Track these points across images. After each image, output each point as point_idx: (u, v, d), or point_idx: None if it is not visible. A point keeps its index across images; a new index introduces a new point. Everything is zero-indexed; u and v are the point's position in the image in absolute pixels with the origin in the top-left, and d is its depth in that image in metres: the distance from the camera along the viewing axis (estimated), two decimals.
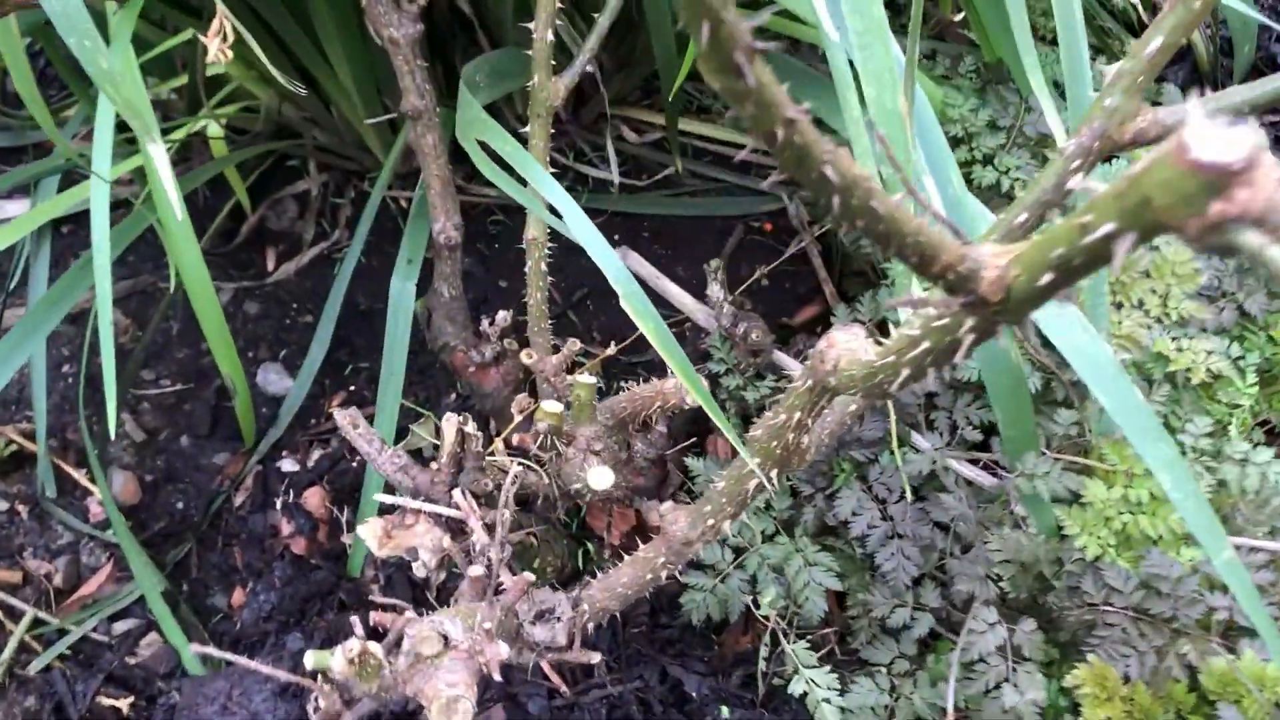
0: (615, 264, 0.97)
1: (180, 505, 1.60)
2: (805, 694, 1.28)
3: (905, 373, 0.68)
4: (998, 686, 1.18)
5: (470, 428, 1.17)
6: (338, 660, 0.74)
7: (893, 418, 1.35)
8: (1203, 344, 1.35)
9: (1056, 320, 1.16)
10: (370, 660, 0.74)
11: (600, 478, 0.98)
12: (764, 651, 1.29)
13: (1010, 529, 1.25)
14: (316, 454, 1.65)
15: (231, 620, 1.48)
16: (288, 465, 1.64)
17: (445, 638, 0.76)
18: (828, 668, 1.29)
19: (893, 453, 1.37)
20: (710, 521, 0.96)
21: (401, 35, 1.24)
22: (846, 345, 0.80)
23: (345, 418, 1.21)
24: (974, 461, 1.38)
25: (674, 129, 1.85)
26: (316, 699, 0.81)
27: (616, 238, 1.90)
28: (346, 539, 1.54)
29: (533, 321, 1.34)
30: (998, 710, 1.17)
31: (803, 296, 1.81)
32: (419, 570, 1.16)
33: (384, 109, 1.79)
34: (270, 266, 1.89)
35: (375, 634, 0.86)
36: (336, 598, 1.46)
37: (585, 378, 1.07)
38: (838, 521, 1.36)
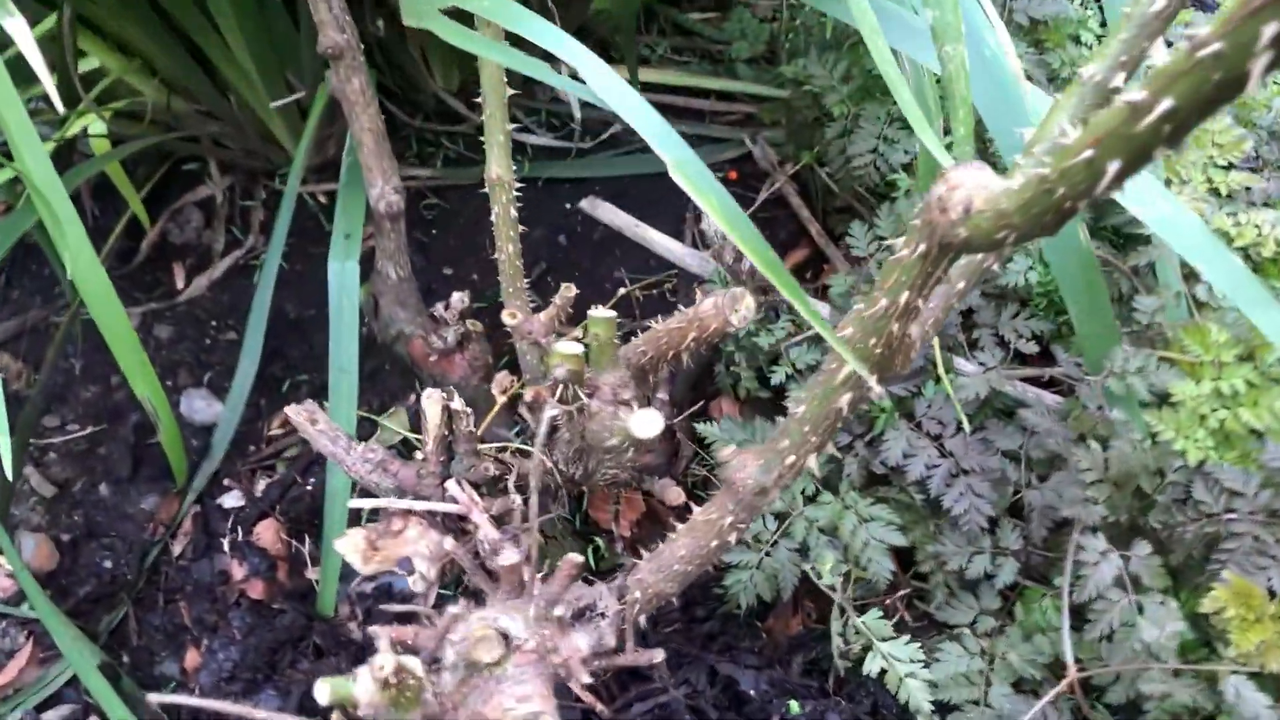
0: (656, 125, 0.78)
1: (108, 564, 1.35)
2: (883, 671, 1.09)
3: (1062, 191, 0.50)
4: (1125, 625, 0.99)
5: (458, 403, 0.96)
6: (364, 686, 0.53)
7: (935, 340, 1.17)
8: (1260, 215, 1.20)
9: (1135, 192, 0.99)
10: (408, 681, 0.53)
11: (646, 422, 0.78)
12: (836, 626, 1.09)
13: (1095, 443, 1.07)
14: (262, 483, 1.42)
15: (188, 687, 1.24)
16: (230, 500, 1.40)
17: (505, 636, 0.55)
18: (905, 637, 1.10)
19: (939, 380, 1.18)
20: (790, 460, 0.77)
21: None
22: (977, 182, 0.61)
23: (301, 413, 0.99)
24: (1033, 380, 1.20)
25: (633, 65, 1.65)
26: None
27: (568, 206, 1.70)
28: (312, 574, 1.31)
29: (506, 280, 1.13)
30: (1127, 653, 0.99)
31: (785, 242, 1.62)
32: (416, 583, 0.94)
33: (288, 89, 1.57)
34: (180, 284, 1.65)
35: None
36: (310, 642, 1.23)
37: (602, 311, 0.86)
38: (888, 468, 1.17)
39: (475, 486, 0.96)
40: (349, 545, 0.92)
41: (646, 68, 1.83)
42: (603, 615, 0.87)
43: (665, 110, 1.80)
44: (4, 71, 1.05)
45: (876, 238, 1.23)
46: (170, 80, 1.55)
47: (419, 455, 1.00)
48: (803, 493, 1.18)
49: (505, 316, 1.04)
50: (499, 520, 0.93)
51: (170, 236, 1.69)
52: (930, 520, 1.17)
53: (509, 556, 0.68)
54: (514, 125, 1.78)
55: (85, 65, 1.52)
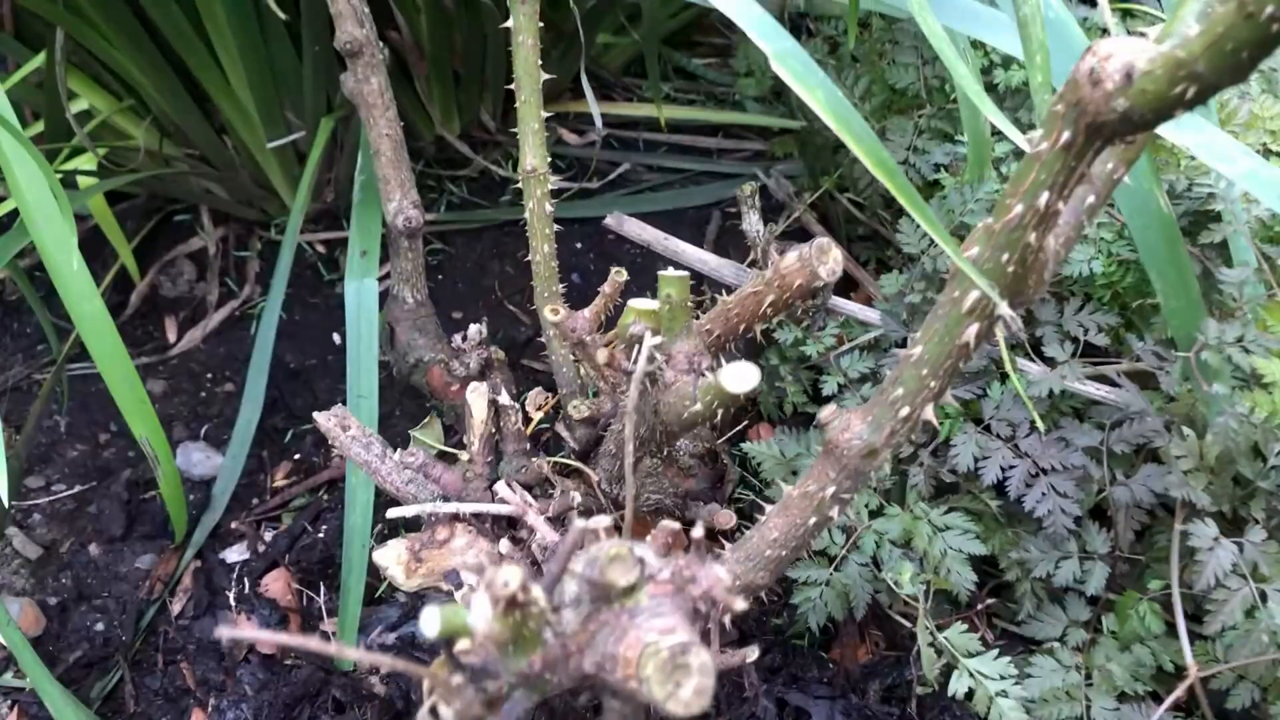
0: (750, 10, 0.71)
1: (99, 626, 1.23)
2: (970, 692, 0.99)
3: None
4: (1247, 617, 0.90)
5: (504, 398, 0.87)
6: (480, 613, 0.43)
7: (1000, 334, 1.09)
8: None
9: (1217, 150, 0.93)
10: (532, 608, 0.43)
11: (740, 375, 0.69)
12: (923, 637, 0.99)
13: (1188, 428, 1.00)
14: (269, 535, 1.30)
15: None
16: (234, 554, 1.29)
17: (641, 561, 0.46)
18: (994, 652, 1.00)
19: (1004, 379, 1.11)
20: (904, 411, 0.68)
21: None
22: (1133, 47, 0.54)
23: (331, 419, 0.90)
24: (1104, 379, 1.13)
25: (657, 88, 1.61)
26: (434, 708, 0.48)
27: (579, 245, 1.64)
28: (328, 625, 1.20)
29: (541, 282, 1.05)
30: (1253, 648, 0.90)
31: None
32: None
33: (287, 129, 1.50)
34: (172, 337, 1.56)
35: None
36: (329, 697, 1.11)
37: (675, 272, 0.78)
38: (958, 476, 1.09)
39: (527, 489, 0.86)
40: (390, 556, 0.82)
41: (648, 104, 1.79)
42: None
43: (672, 149, 1.77)
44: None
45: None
46: (164, 120, 1.48)
47: (464, 457, 0.91)
48: (866, 507, 1.09)
49: (547, 313, 0.96)
50: (556, 521, 0.83)
51: (161, 290, 1.60)
52: (1009, 529, 1.08)
53: (600, 519, 0.59)
54: (518, 169, 1.73)
55: (74, 107, 1.45)
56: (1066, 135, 0.58)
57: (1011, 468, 1.05)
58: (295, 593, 1.23)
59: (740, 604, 0.48)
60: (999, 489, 1.05)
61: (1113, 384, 1.11)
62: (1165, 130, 0.95)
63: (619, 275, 0.91)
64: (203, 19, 1.30)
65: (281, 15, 1.29)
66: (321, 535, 1.28)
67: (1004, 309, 0.64)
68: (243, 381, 1.40)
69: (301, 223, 1.56)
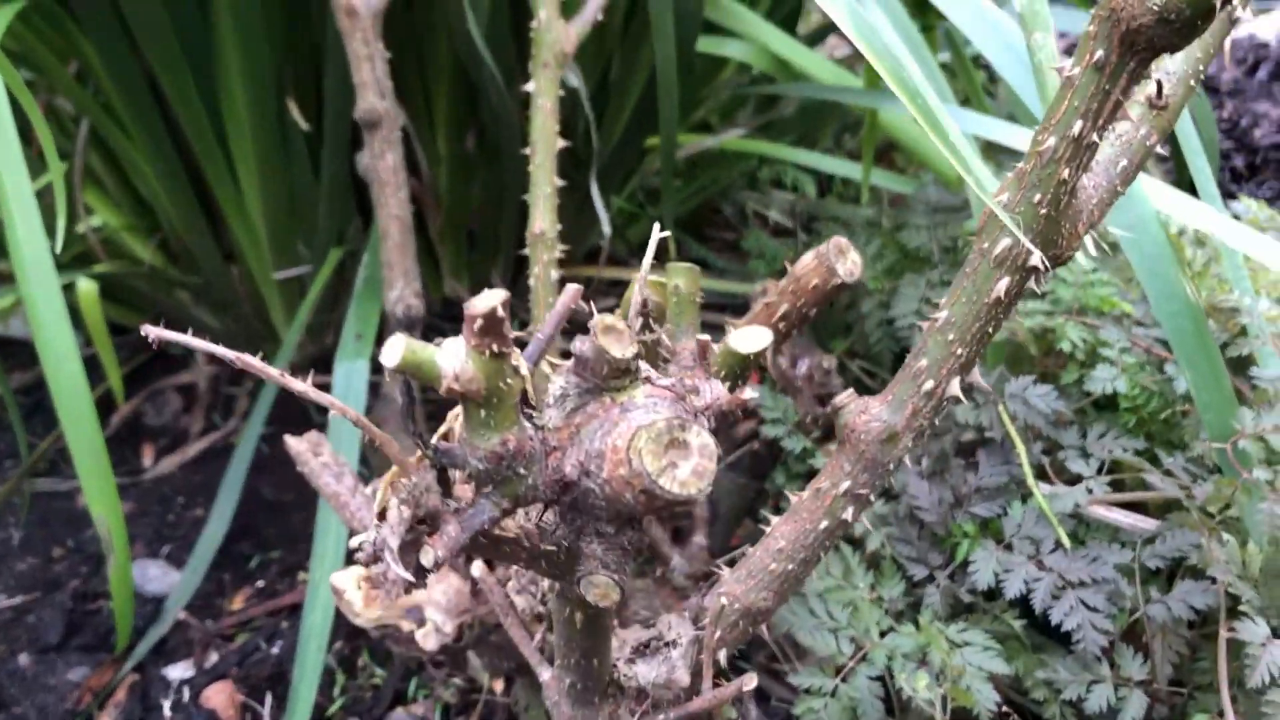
0: None
1: None
2: None
3: None
4: None
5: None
6: (453, 352, 0.36)
7: (1021, 448, 1.03)
8: None
9: (1237, 236, 0.92)
10: (508, 361, 0.36)
11: (750, 337, 0.62)
12: None
13: (1227, 534, 0.92)
14: (214, 657, 1.19)
15: None
16: (177, 671, 1.17)
17: (638, 360, 0.39)
18: None
19: (1026, 498, 1.04)
20: (928, 385, 0.62)
21: (361, 3, 1.00)
22: None
23: (303, 443, 0.83)
24: (1127, 505, 1.05)
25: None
26: (385, 500, 0.39)
27: None
28: None
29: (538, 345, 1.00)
30: None
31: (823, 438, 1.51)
32: (426, 641, 0.74)
33: (296, 259, 1.50)
34: (147, 462, 1.49)
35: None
36: None
37: (685, 264, 0.74)
38: (977, 594, 1.00)
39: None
40: (349, 579, 0.73)
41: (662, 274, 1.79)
42: (672, 645, 0.67)
43: None
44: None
45: None
46: (172, 240, 1.48)
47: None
48: (876, 624, 0.99)
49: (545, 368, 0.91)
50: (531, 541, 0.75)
51: (145, 417, 1.55)
52: (1035, 653, 0.98)
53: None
54: (521, 329, 1.72)
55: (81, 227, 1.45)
56: (1100, 53, 0.55)
57: (1037, 580, 0.96)
58: (238, 706, 1.10)
59: (752, 393, 0.41)
60: (1023, 605, 0.96)
61: (1139, 510, 1.04)
62: (1203, 223, 0.94)
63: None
64: (225, 124, 1.31)
65: (304, 125, 1.32)
66: (275, 651, 1.17)
67: (1039, 258, 0.59)
68: (211, 511, 1.33)
69: (296, 363, 1.53)
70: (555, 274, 1.01)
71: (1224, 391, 0.93)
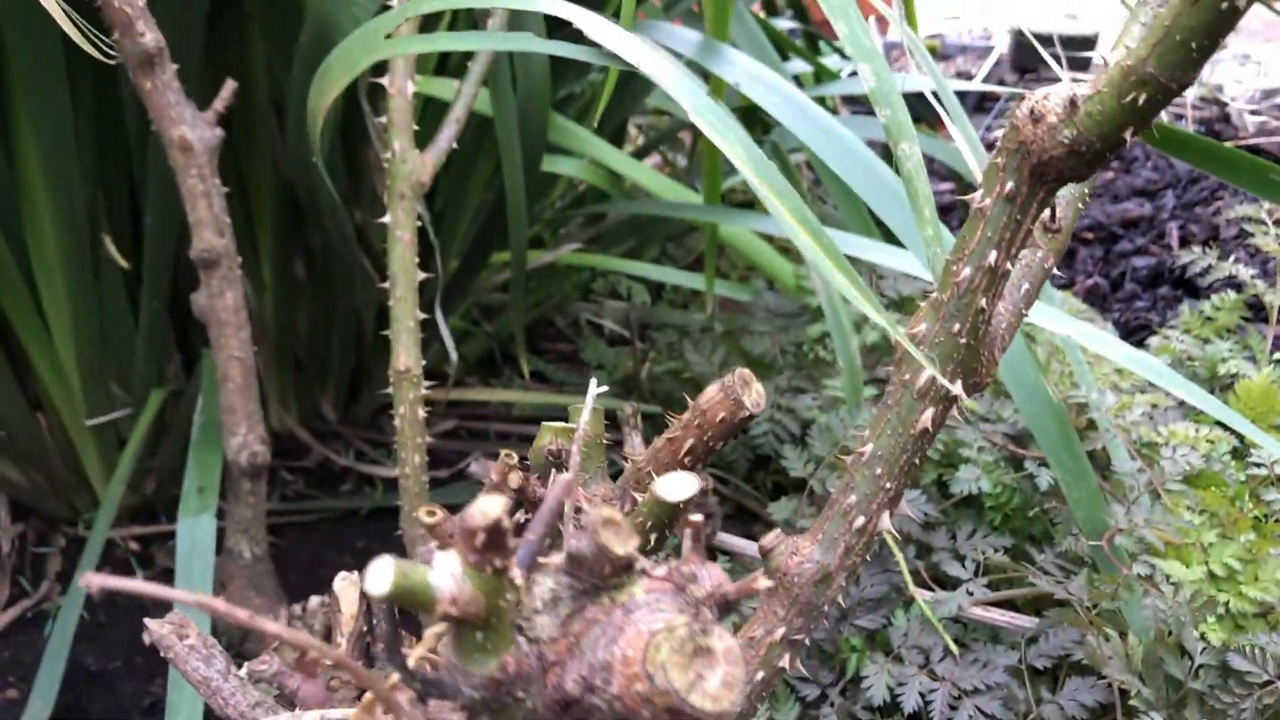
0: (670, 71, 0.67)
1: None
2: None
3: None
4: None
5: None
6: (446, 569, 0.31)
7: (899, 555, 1.04)
8: None
9: (1088, 335, 0.95)
10: (507, 575, 0.31)
11: (677, 484, 0.59)
12: None
13: (1109, 630, 0.94)
14: None
15: None
16: None
17: (629, 558, 0.35)
18: None
19: (909, 605, 1.04)
20: (859, 522, 0.60)
21: (197, 138, 0.94)
22: (1065, 87, 0.55)
23: (166, 626, 0.74)
24: (1002, 604, 1.07)
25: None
26: None
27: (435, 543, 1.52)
28: None
29: (409, 500, 0.95)
30: None
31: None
32: None
33: (110, 403, 1.39)
34: None
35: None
36: None
37: (587, 404, 0.70)
38: (874, 711, 0.99)
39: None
40: None
41: (500, 389, 1.75)
42: None
43: (524, 439, 1.71)
44: None
45: (813, 458, 1.13)
46: None
47: (326, 663, 0.76)
48: None
49: (422, 515, 0.85)
50: None
51: None
52: None
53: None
54: (359, 459, 1.64)
55: None
56: (1010, 185, 0.56)
57: (932, 692, 0.96)
58: None
59: (765, 583, 0.38)
60: (919, 718, 0.95)
61: (1015, 609, 1.05)
62: (1055, 325, 0.97)
63: (509, 457, 0.82)
64: (33, 265, 1.21)
65: (124, 263, 1.23)
66: None
67: (957, 391, 0.59)
68: (30, 687, 1.19)
69: (115, 514, 1.41)
70: (421, 412, 0.95)
71: (1091, 488, 0.96)
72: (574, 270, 1.77)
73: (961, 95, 3.09)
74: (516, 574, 0.34)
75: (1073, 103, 0.53)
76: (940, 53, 3.41)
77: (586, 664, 0.35)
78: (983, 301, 0.58)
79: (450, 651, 0.35)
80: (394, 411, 0.96)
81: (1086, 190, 0.69)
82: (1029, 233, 0.57)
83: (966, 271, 0.58)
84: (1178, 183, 2.48)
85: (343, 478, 1.62)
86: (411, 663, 0.39)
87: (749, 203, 1.91)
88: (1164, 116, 0.78)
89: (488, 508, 0.32)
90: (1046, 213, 0.65)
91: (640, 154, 1.81)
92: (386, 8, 0.96)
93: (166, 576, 1.46)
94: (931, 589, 1.06)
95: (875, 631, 1.04)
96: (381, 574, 0.31)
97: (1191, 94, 2.96)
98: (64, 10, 0.76)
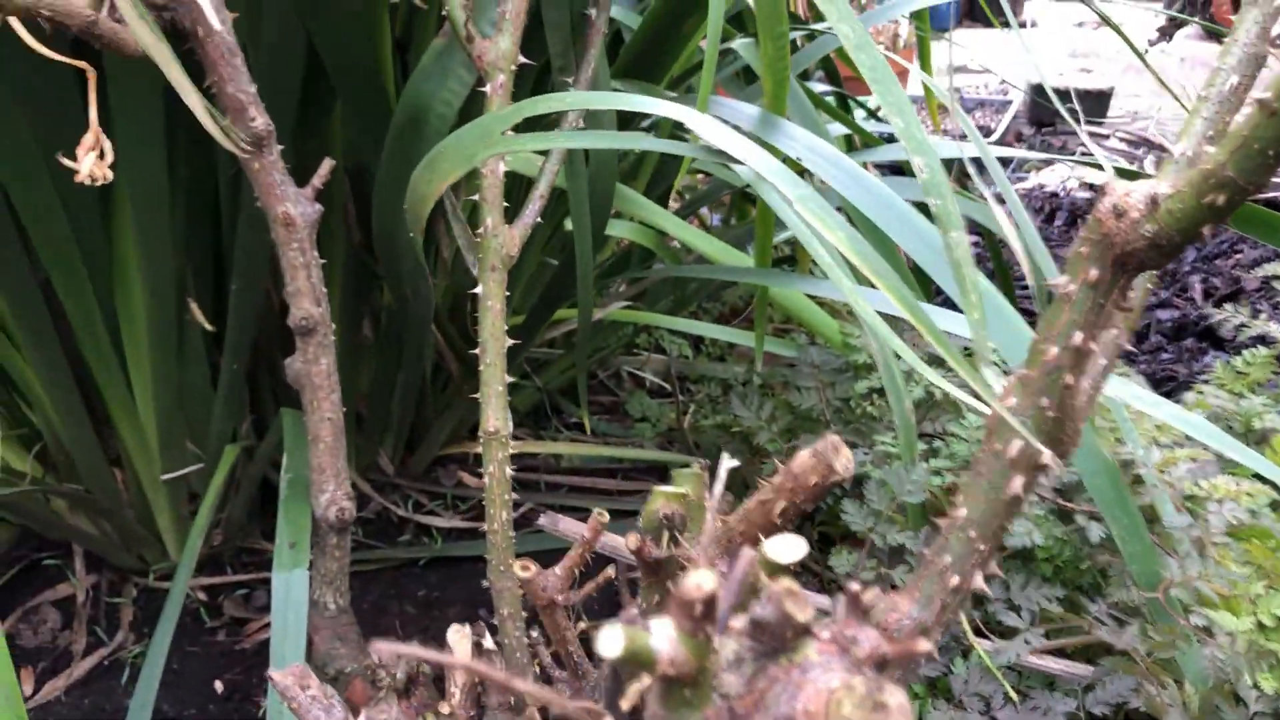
0: (770, 163, 0.73)
1: None
2: None
3: None
4: None
5: (489, 641, 0.80)
6: (663, 635, 0.36)
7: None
8: None
9: (1140, 398, 1.01)
10: (703, 635, 0.37)
11: (786, 546, 0.64)
12: None
13: (1166, 679, 0.99)
14: None
15: None
16: None
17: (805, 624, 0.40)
18: None
19: (967, 654, 1.09)
20: (954, 581, 0.65)
21: (299, 214, 1.00)
22: (1147, 183, 0.60)
23: (289, 676, 0.80)
24: (1056, 653, 1.12)
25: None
26: None
27: (484, 584, 1.57)
28: None
29: (496, 554, 1.00)
30: None
31: None
32: None
33: (182, 458, 1.44)
34: (28, 689, 1.38)
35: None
36: None
37: (691, 469, 0.76)
38: None
39: None
40: None
41: (551, 441, 1.81)
42: None
43: (573, 490, 1.77)
44: None
45: (871, 512, 1.18)
46: (54, 448, 1.40)
47: (444, 710, 0.81)
48: None
49: (518, 569, 0.91)
50: None
51: (20, 639, 1.43)
52: None
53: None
54: (417, 510, 1.69)
55: None
56: (1094, 272, 0.62)
57: None
58: None
59: (925, 645, 0.43)
60: None
61: (1068, 657, 1.10)
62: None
63: (601, 516, 0.87)
64: (121, 328, 1.27)
65: (209, 327, 1.29)
66: None
67: (1050, 458, 0.64)
68: None
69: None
70: (509, 471, 1.01)
71: (1146, 543, 1.01)
72: (619, 325, 1.83)
73: None
74: (715, 637, 0.40)
75: (1154, 200, 0.59)
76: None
77: (771, 717, 0.40)
78: (1069, 378, 0.63)
79: (658, 705, 0.40)
80: (483, 470, 1.01)
81: (1156, 272, 0.74)
82: (1111, 315, 0.63)
83: (1054, 351, 0.63)
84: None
85: (401, 528, 1.67)
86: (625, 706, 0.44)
87: (789, 258, 1.98)
88: None
89: (702, 582, 0.38)
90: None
91: (682, 213, 1.87)
92: (477, 91, 1.03)
93: (235, 626, 1.51)
94: (989, 638, 1.11)
95: (937, 679, 1.08)
96: (613, 639, 0.37)
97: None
98: (208, 111, 0.83)
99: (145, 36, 0.46)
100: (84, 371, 1.32)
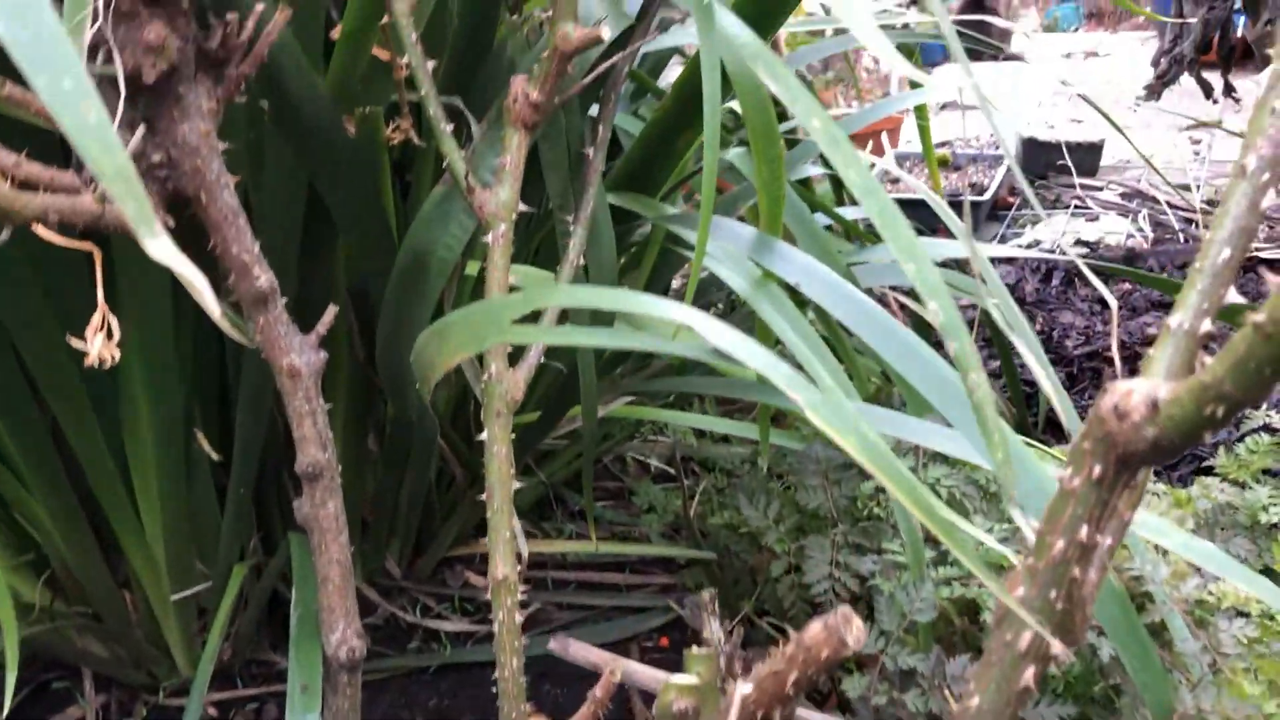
0: (779, 368, 0.74)
1: None
2: None
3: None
4: None
5: None
6: None
7: None
8: None
9: (1145, 524, 1.01)
10: None
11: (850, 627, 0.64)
12: None
13: None
14: None
15: None
16: None
17: None
18: None
19: None
20: None
21: (304, 364, 1.01)
22: (1147, 384, 0.61)
23: None
24: None
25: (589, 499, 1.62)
26: None
27: (493, 690, 1.57)
28: None
29: (508, 701, 1.01)
30: None
31: None
32: None
33: (191, 577, 1.45)
34: None
35: None
36: None
37: (701, 650, 0.76)
38: None
39: None
40: None
41: (556, 540, 1.81)
42: None
43: (581, 586, 1.77)
44: None
45: (880, 632, 1.18)
46: (61, 574, 1.41)
47: None
48: None
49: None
50: None
51: None
52: None
53: None
54: (425, 615, 1.69)
55: None
56: (1098, 469, 0.63)
57: None
58: None
59: None
60: None
61: None
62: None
63: (613, 674, 0.88)
64: (129, 459, 1.28)
65: (215, 456, 1.30)
66: None
67: (1059, 648, 0.65)
68: None
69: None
70: (519, 618, 1.01)
71: (1157, 669, 1.00)
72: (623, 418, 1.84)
73: (976, 204, 3.19)
74: None
75: (1154, 405, 0.60)
76: (951, 163, 3.51)
77: None
78: (1076, 571, 0.64)
79: None
80: (492, 617, 1.02)
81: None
82: (1115, 508, 0.64)
83: (1060, 544, 0.64)
84: None
85: (410, 633, 1.67)
86: None
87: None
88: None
89: None
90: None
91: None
92: (476, 237, 1.04)
93: None
94: None
95: None
96: None
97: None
98: (226, 317, 0.83)
99: (158, 251, 0.47)
100: (91, 501, 1.33)
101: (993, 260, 2.93)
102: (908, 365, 1.06)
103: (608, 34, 0.94)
